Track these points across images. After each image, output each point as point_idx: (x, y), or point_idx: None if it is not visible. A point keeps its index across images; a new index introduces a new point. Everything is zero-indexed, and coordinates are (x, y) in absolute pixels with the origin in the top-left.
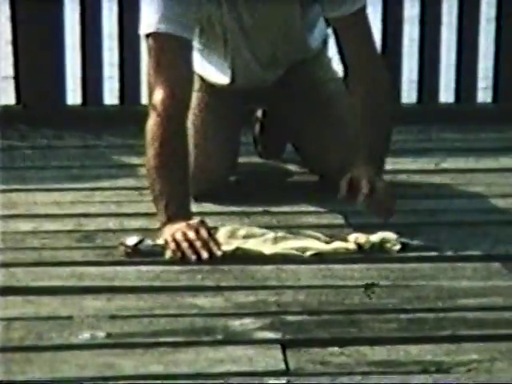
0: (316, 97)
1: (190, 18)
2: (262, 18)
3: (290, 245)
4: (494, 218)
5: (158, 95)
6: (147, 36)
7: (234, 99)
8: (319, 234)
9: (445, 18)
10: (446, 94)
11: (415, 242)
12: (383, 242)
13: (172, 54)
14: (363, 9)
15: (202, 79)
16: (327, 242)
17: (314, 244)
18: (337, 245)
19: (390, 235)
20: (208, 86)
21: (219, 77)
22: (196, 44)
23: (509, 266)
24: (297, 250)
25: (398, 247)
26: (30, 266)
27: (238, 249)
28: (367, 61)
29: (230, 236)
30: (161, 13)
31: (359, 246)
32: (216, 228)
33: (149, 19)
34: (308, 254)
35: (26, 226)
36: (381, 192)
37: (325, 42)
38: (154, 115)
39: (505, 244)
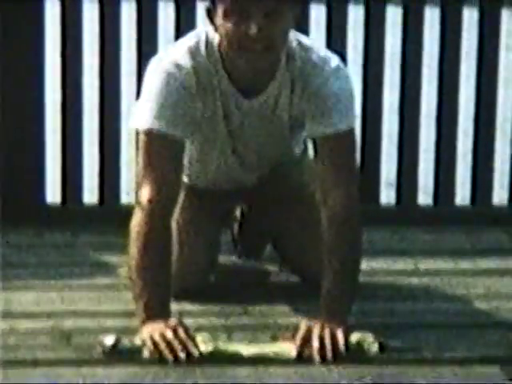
0: (296, 198)
1: (184, 119)
2: (251, 128)
3: (268, 347)
4: (472, 320)
5: (145, 194)
6: (138, 132)
7: (214, 199)
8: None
9: (424, 120)
10: (425, 195)
11: (393, 344)
12: (361, 342)
13: (162, 153)
14: (349, 132)
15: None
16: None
17: (290, 347)
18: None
19: (368, 336)
20: (189, 185)
21: (194, 180)
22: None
23: (486, 369)
24: (274, 352)
25: (375, 348)
26: (7, 365)
27: (215, 349)
28: (340, 186)
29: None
30: (156, 110)
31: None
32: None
33: (144, 115)
34: (286, 355)
35: (3, 324)
36: (315, 339)
37: (306, 144)
38: (140, 213)
39: (483, 347)
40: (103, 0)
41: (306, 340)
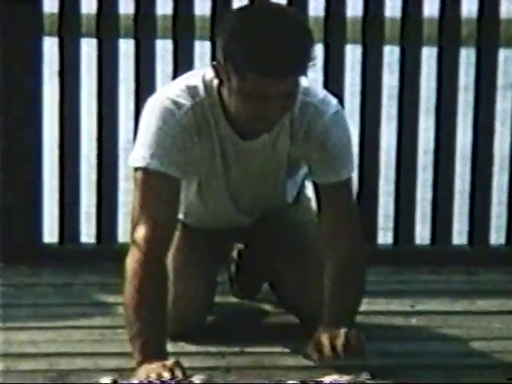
0: (293, 238)
1: (181, 158)
2: (248, 169)
3: None
4: (470, 361)
5: (141, 232)
6: (135, 169)
7: (210, 238)
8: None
9: (421, 159)
10: (422, 235)
11: None
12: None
13: (158, 191)
14: (349, 177)
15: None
16: None
17: None
18: None
19: (364, 377)
20: (186, 224)
21: (191, 220)
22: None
23: None
24: None
25: None
26: None
27: None
28: (344, 229)
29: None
30: (153, 149)
31: None
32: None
33: (140, 152)
34: None
35: None
36: (340, 346)
37: (303, 183)
38: (135, 252)
39: None
40: (101, 36)
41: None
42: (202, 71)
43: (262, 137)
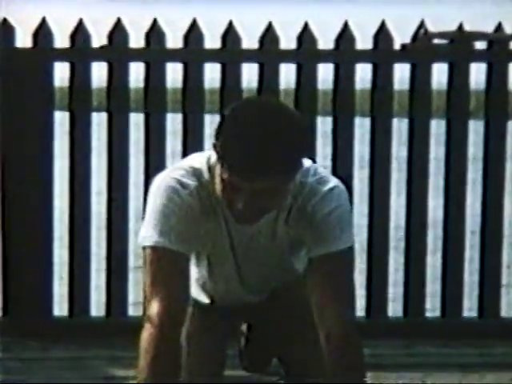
0: (302, 313)
1: (188, 235)
2: (253, 254)
3: None
4: None
5: (154, 309)
6: (144, 248)
7: (220, 315)
8: None
9: (430, 234)
10: (432, 308)
11: None
12: None
13: (168, 268)
14: (342, 251)
15: None
16: None
17: None
18: None
19: None
20: (196, 300)
21: (202, 297)
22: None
23: None
24: None
25: None
26: None
27: None
28: (332, 307)
29: None
30: (160, 226)
31: None
32: None
33: (148, 232)
34: None
35: None
36: None
37: None
38: (149, 328)
39: None
40: (112, 111)
41: None
42: (208, 153)
43: (258, 223)
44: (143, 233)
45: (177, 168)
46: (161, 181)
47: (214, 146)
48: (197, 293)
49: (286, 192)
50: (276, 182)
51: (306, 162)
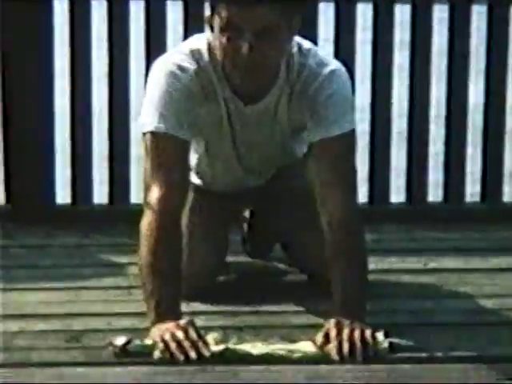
0: (303, 198)
1: (188, 120)
2: (253, 132)
3: (278, 346)
4: (484, 319)
5: (154, 195)
6: (144, 134)
7: (221, 200)
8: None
9: (433, 112)
10: (435, 192)
11: (403, 343)
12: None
13: (169, 154)
14: (344, 134)
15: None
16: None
17: (303, 347)
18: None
19: (378, 335)
20: (197, 187)
21: (202, 180)
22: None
23: (499, 367)
24: (285, 351)
25: (385, 346)
26: (18, 367)
27: (226, 349)
28: (334, 190)
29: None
30: (160, 112)
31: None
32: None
33: (148, 117)
34: (296, 355)
35: (14, 325)
36: (347, 339)
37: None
38: (149, 214)
39: (494, 346)
40: (112, 0)
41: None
42: (207, 34)
43: (262, 101)
44: (143, 119)
45: (176, 52)
46: (160, 65)
47: (208, 20)
48: (196, 177)
49: (284, 39)
50: (270, 13)
51: (306, 44)
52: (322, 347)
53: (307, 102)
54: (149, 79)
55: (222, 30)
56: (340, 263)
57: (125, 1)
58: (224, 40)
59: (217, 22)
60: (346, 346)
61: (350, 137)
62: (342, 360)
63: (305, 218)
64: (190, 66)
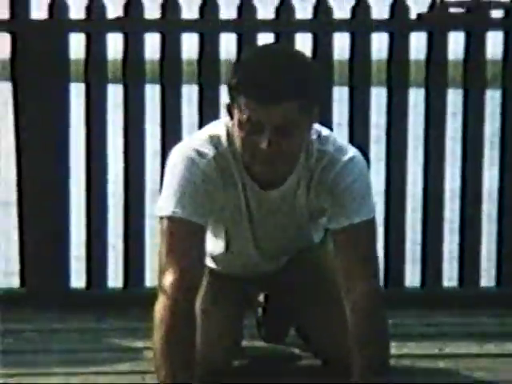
0: (319, 283)
1: (205, 206)
2: (271, 218)
3: None
4: None
5: (168, 279)
6: (161, 218)
7: (237, 285)
8: None
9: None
10: (449, 277)
11: None
12: None
13: (183, 239)
14: (365, 222)
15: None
16: None
17: None
18: None
19: None
20: (212, 270)
21: (217, 266)
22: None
23: None
24: None
25: None
26: None
27: None
28: (358, 275)
29: None
30: (177, 197)
31: None
32: None
33: (165, 202)
34: None
35: None
36: None
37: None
38: (163, 298)
39: None
40: (127, 83)
41: None
42: (225, 120)
43: (280, 187)
44: (160, 203)
45: (194, 138)
46: (178, 151)
47: (227, 108)
48: (213, 263)
49: (303, 135)
50: (290, 109)
51: (324, 131)
52: None
53: (326, 189)
54: (167, 163)
55: (241, 123)
56: (363, 351)
57: (140, 84)
58: (243, 134)
59: (236, 112)
60: None
61: (371, 223)
62: None
63: (320, 301)
64: (209, 151)
